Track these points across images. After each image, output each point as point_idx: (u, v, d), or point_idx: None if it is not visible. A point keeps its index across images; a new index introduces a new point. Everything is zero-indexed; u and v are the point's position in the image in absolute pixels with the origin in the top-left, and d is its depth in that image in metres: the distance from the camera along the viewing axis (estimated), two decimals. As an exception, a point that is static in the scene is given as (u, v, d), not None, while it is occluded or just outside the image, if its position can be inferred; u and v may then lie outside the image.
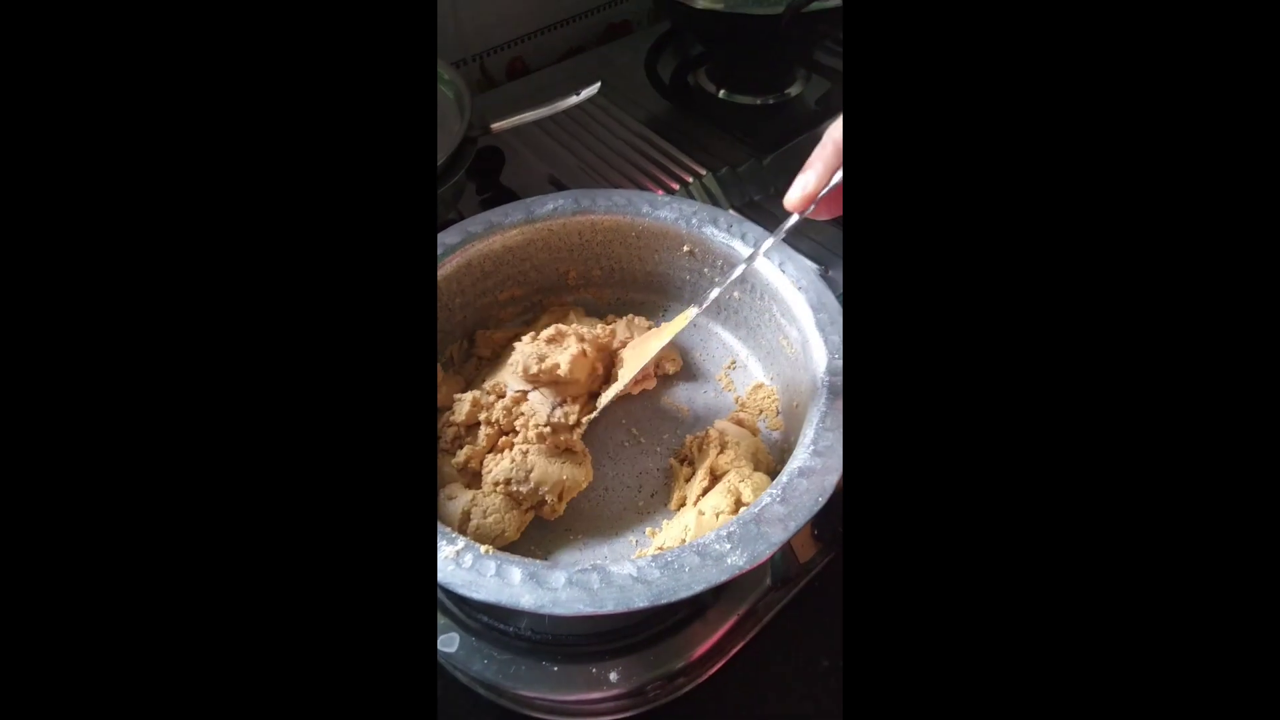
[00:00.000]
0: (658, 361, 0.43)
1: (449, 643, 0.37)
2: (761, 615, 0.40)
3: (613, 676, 0.36)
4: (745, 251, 0.40)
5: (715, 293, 0.36)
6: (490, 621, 0.37)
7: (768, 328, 0.41)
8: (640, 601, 0.26)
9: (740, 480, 0.34)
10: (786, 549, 0.41)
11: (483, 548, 0.28)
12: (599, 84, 0.49)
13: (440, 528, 0.29)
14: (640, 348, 0.38)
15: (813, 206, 0.31)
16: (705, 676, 0.39)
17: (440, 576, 0.27)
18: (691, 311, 0.36)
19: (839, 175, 0.30)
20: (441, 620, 0.38)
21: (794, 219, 0.32)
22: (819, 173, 0.30)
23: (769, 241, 0.34)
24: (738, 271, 0.35)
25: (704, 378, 0.43)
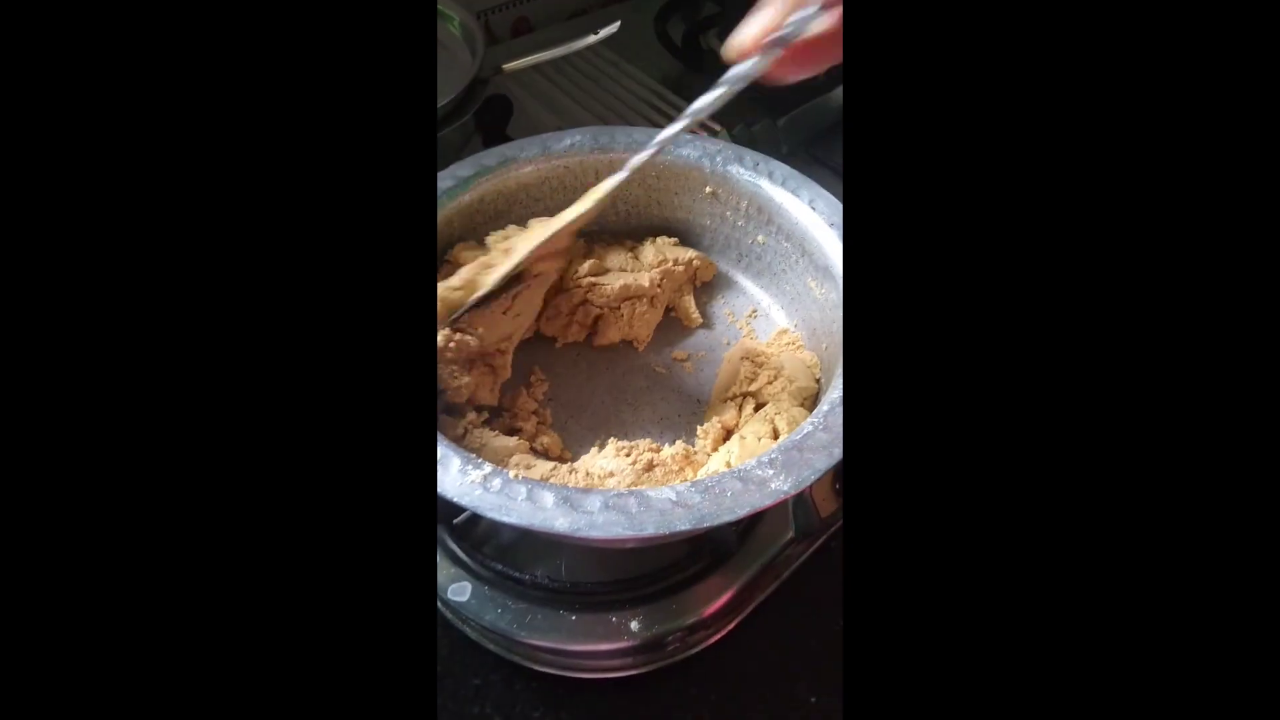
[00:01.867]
0: (692, 272, 0.42)
1: (460, 592, 0.35)
2: (781, 570, 0.39)
3: (634, 625, 0.34)
4: (772, 191, 0.39)
5: (644, 156, 0.31)
6: (504, 569, 0.35)
7: (793, 271, 0.40)
8: (682, 524, 0.25)
9: (777, 413, 0.33)
10: (808, 502, 0.40)
11: (512, 472, 0.26)
12: (618, 23, 0.47)
13: (465, 453, 0.27)
14: (545, 223, 0.35)
15: (758, 60, 0.24)
16: (724, 631, 0.37)
17: (468, 501, 0.25)
18: (615, 178, 0.32)
19: (808, 17, 0.24)
20: (453, 569, 0.36)
21: (745, 68, 0.25)
22: (777, 9, 0.24)
23: (708, 97, 0.28)
24: (671, 131, 0.31)
25: (723, 327, 0.42)
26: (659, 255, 0.41)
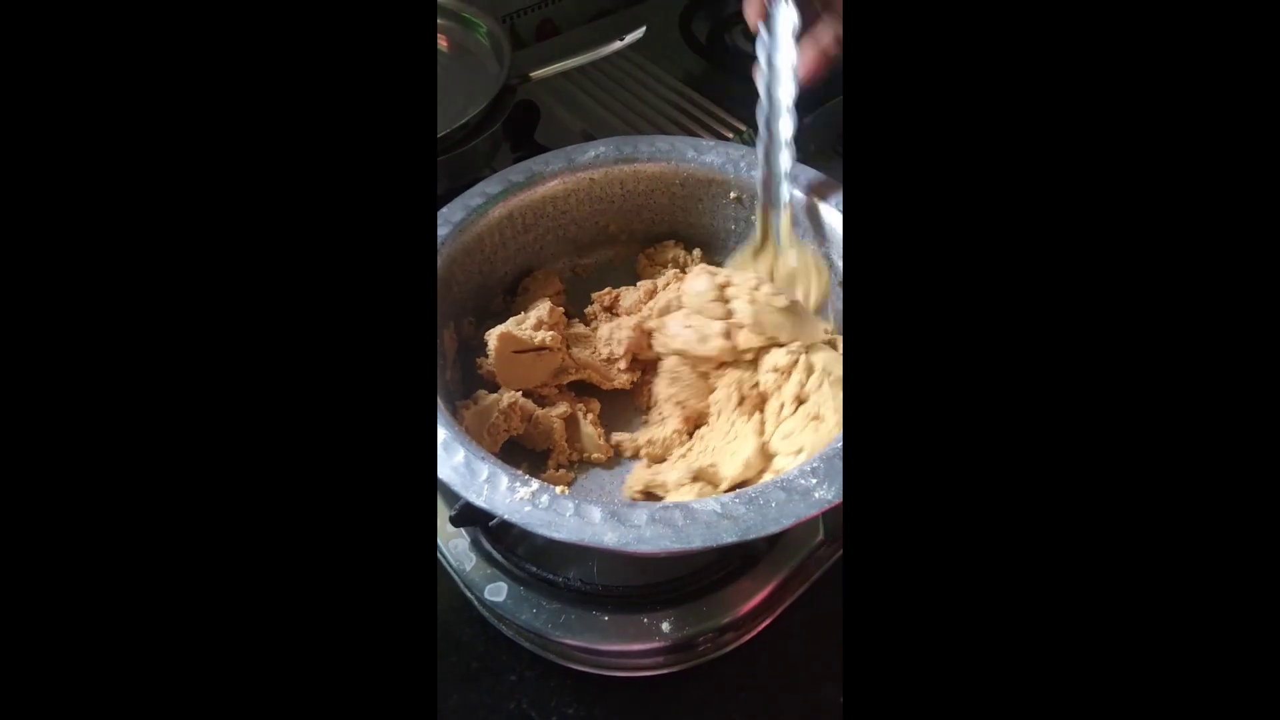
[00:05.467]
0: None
1: (497, 592, 0.36)
2: (811, 571, 0.39)
3: (665, 626, 0.35)
4: (797, 194, 0.39)
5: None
6: (539, 571, 0.36)
7: (821, 274, 0.40)
8: (728, 537, 0.25)
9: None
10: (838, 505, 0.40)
11: (558, 488, 0.27)
12: (643, 29, 0.47)
13: (513, 470, 0.28)
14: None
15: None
16: (754, 632, 0.38)
17: (517, 518, 0.26)
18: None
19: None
20: (489, 570, 0.37)
21: None
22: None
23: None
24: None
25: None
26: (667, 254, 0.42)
